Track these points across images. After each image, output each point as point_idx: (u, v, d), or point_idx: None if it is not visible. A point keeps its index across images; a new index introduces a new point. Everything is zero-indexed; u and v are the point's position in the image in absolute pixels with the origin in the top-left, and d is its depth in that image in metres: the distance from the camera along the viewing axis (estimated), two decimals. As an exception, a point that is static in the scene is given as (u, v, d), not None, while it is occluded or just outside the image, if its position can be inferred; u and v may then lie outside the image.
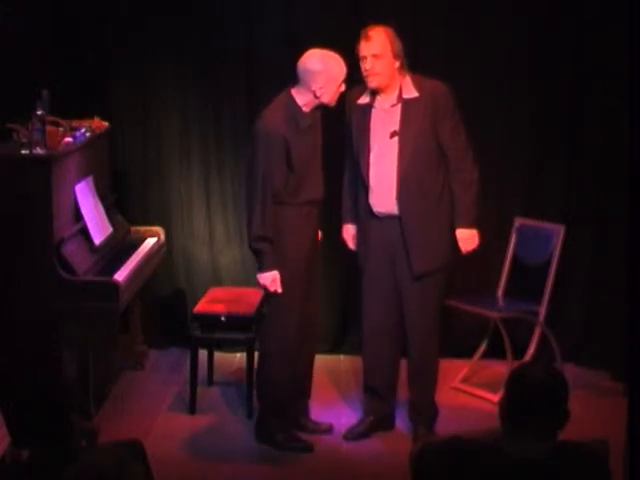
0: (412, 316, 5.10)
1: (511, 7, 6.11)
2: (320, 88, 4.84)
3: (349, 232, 5.28)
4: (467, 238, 5.12)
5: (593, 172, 6.15)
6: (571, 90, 6.14)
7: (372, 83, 4.96)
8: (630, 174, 3.93)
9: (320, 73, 4.83)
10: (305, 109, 4.91)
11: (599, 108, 6.07)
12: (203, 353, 5.76)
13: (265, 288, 4.98)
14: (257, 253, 4.97)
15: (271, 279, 4.92)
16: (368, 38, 4.91)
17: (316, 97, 4.87)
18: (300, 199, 4.95)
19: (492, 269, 6.11)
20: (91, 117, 5.79)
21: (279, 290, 4.93)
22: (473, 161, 5.08)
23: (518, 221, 6.06)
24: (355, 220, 5.21)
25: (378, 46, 4.90)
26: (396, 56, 4.93)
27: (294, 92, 4.92)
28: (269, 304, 5.09)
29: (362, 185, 5.06)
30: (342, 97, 5.00)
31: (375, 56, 4.90)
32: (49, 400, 3.24)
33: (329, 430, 5.29)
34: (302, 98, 4.90)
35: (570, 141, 6.19)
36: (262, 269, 4.95)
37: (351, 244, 5.29)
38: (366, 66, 4.92)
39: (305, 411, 5.32)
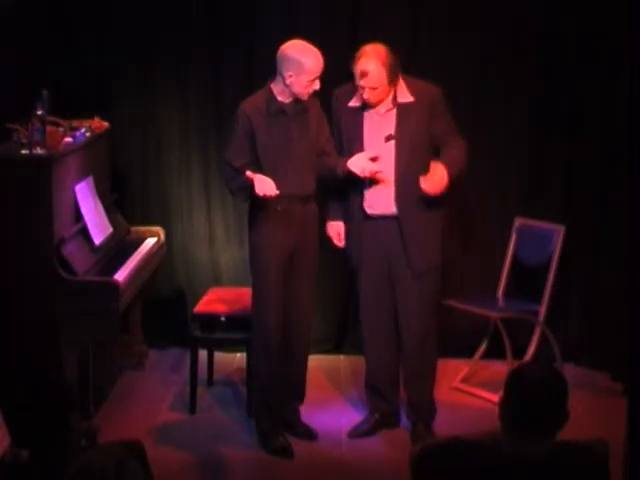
0: (409, 315, 5.12)
1: (511, 8, 6.11)
2: (289, 76, 4.88)
3: (334, 229, 5.27)
4: (436, 174, 4.88)
5: (593, 172, 6.15)
6: (571, 90, 6.14)
7: (369, 100, 4.97)
8: (630, 174, 3.93)
9: (293, 61, 4.87)
10: (279, 97, 4.96)
11: (599, 108, 6.08)
12: (203, 353, 5.76)
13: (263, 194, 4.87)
14: (238, 190, 5.00)
15: (267, 186, 4.86)
16: (364, 73, 4.88)
17: (286, 85, 4.90)
18: None
19: (492, 269, 6.11)
20: (91, 117, 5.79)
21: (270, 192, 4.85)
22: (465, 147, 5.05)
23: (518, 221, 6.06)
24: (342, 217, 5.21)
25: (374, 81, 4.91)
26: (391, 82, 4.94)
27: (273, 80, 4.99)
28: (252, 306, 5.13)
29: (355, 187, 5.07)
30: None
31: (373, 88, 4.93)
32: (49, 400, 3.24)
33: (313, 436, 5.24)
34: (277, 86, 4.97)
35: (570, 141, 6.19)
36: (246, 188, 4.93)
37: (336, 240, 5.27)
38: (364, 95, 4.94)
39: (296, 414, 5.30)
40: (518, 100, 6.18)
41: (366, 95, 4.95)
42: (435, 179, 4.88)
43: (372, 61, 4.90)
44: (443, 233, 5.14)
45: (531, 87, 6.17)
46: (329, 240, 5.30)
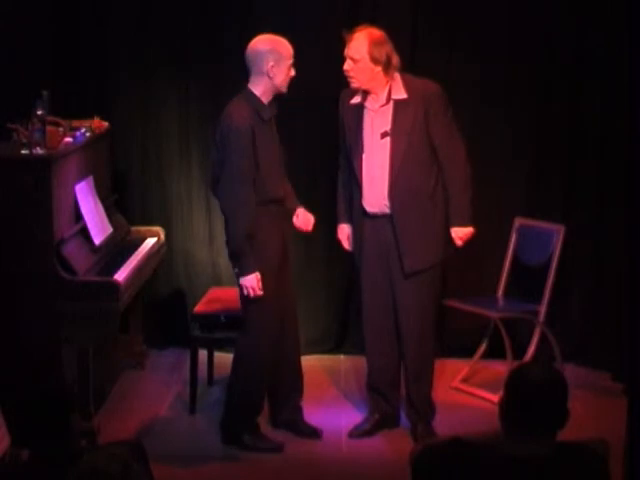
0: (407, 315, 5.11)
1: (511, 8, 6.11)
2: (272, 67, 4.90)
3: (344, 232, 5.29)
4: (462, 236, 5.15)
5: (593, 172, 6.15)
6: (571, 90, 6.15)
7: (351, 84, 5.04)
8: (630, 174, 3.93)
9: (270, 52, 4.91)
10: (264, 100, 4.96)
11: (599, 108, 6.08)
12: (203, 353, 5.76)
13: (248, 293, 4.92)
14: (239, 255, 4.92)
15: (256, 281, 4.91)
16: (350, 40, 4.98)
17: (269, 77, 4.90)
18: (266, 196, 4.95)
19: (492, 269, 6.11)
20: (91, 117, 5.80)
21: (260, 293, 4.91)
22: (465, 160, 5.09)
23: (518, 221, 6.06)
24: (349, 220, 5.23)
25: (355, 50, 4.97)
26: (375, 62, 4.95)
27: (250, 86, 4.98)
28: (245, 308, 5.07)
29: (355, 185, 5.09)
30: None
31: (352, 59, 4.97)
32: (49, 400, 3.24)
33: (318, 435, 5.25)
34: (258, 88, 4.95)
35: (570, 141, 6.19)
36: (245, 272, 4.90)
37: (346, 244, 5.30)
38: (345, 66, 4.99)
39: (299, 413, 5.30)
40: (518, 100, 6.18)
41: (346, 66, 4.98)
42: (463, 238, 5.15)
43: (359, 32, 4.98)
44: (443, 232, 5.12)
45: (531, 87, 6.17)
46: (336, 242, 5.32)
